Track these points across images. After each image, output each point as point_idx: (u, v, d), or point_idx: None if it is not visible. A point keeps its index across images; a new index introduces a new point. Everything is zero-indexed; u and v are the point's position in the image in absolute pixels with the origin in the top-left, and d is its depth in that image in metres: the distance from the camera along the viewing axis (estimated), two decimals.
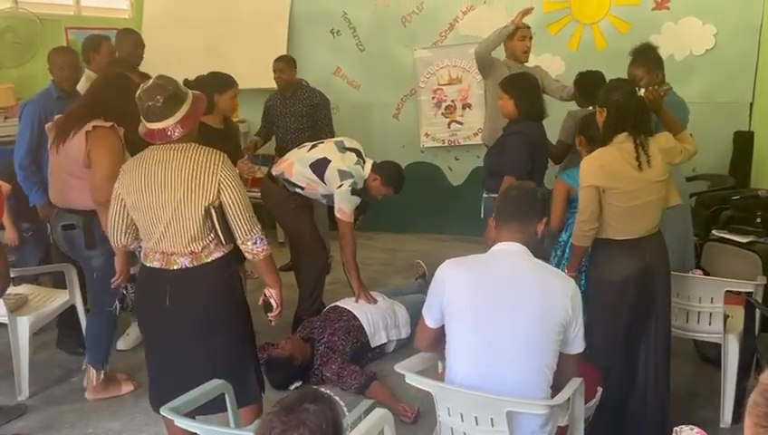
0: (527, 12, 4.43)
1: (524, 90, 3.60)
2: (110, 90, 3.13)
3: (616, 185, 2.73)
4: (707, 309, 3.08)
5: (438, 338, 2.23)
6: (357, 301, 3.87)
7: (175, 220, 2.41)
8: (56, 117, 3.26)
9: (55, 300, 3.65)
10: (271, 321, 2.71)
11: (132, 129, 2.69)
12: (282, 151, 4.62)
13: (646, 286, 2.78)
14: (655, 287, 2.82)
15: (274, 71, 4.98)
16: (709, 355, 3.55)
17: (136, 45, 4.43)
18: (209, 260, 2.48)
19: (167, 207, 2.41)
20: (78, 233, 3.20)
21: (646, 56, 3.67)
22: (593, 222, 2.74)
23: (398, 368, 2.19)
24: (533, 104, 3.64)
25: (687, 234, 3.78)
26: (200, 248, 2.46)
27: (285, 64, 4.98)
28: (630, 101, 2.81)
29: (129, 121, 2.82)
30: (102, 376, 3.39)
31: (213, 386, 2.20)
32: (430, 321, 2.23)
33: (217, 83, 3.91)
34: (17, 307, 3.48)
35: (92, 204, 3.04)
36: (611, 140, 2.77)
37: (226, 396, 2.23)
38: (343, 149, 3.95)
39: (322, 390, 1.27)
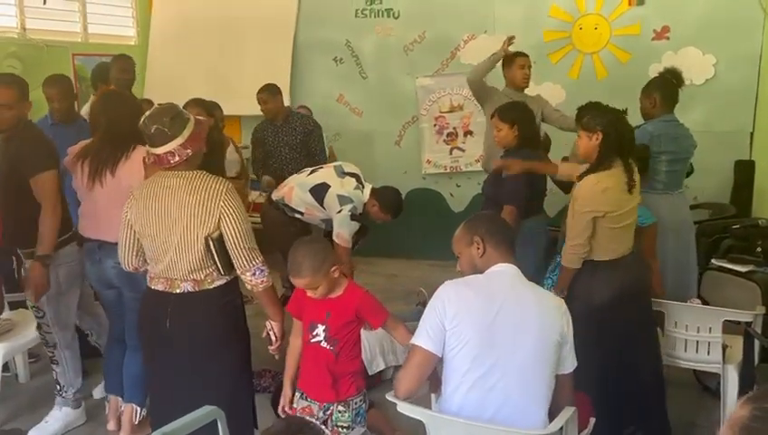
0: (510, 40, 4.50)
1: (521, 118, 3.62)
2: (110, 105, 3.12)
3: (613, 209, 2.79)
4: (706, 339, 3.06)
5: (429, 371, 2.12)
6: None
7: (179, 250, 2.43)
8: (71, 148, 3.14)
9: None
10: (275, 355, 2.69)
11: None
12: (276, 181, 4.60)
13: (629, 305, 2.81)
14: (638, 306, 2.85)
15: (258, 102, 4.84)
16: (709, 385, 3.51)
17: (122, 70, 4.57)
18: (212, 287, 2.50)
19: (172, 237, 2.43)
20: None
21: (653, 80, 3.81)
22: (587, 245, 2.82)
23: (390, 396, 2.15)
24: (530, 132, 3.66)
25: (691, 263, 3.77)
26: (203, 277, 2.48)
27: (268, 94, 4.83)
28: (626, 128, 2.86)
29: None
30: (144, 413, 3.21)
31: (205, 412, 2.17)
32: (429, 343, 2.06)
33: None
34: (2, 332, 3.38)
35: None
36: (608, 163, 2.80)
37: (219, 424, 2.21)
38: (342, 174, 3.96)
39: (308, 419, 1.26)
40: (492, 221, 2.30)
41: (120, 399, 3.29)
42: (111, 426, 3.32)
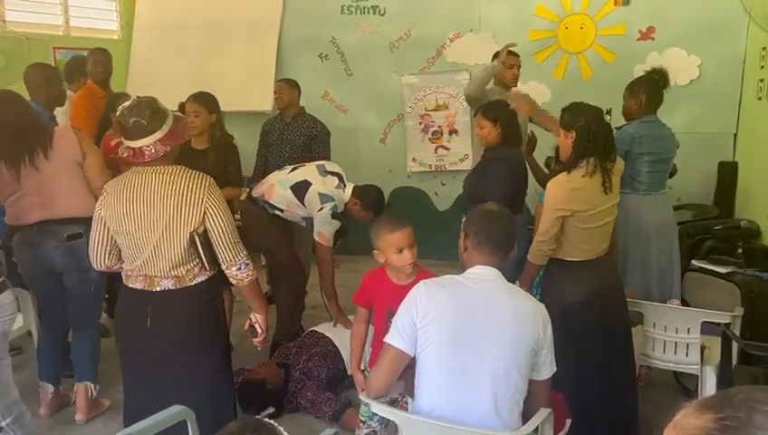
0: (510, 46, 4.44)
1: (503, 116, 3.60)
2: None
3: (584, 208, 2.77)
4: (684, 340, 3.05)
5: (400, 371, 2.09)
6: (335, 326, 3.82)
7: (159, 246, 2.39)
8: None
9: None
10: (257, 347, 2.69)
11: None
12: None
13: (603, 306, 2.80)
14: (612, 307, 2.84)
15: (275, 92, 4.90)
16: (688, 386, 3.51)
17: (93, 63, 4.58)
18: (193, 284, 2.47)
19: (151, 234, 2.39)
20: (83, 242, 3.08)
21: (641, 81, 3.76)
22: (553, 243, 2.83)
23: (363, 396, 2.13)
24: (514, 129, 3.64)
25: (674, 264, 3.76)
26: (184, 272, 2.45)
27: (285, 85, 4.84)
28: (600, 127, 2.82)
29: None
30: (98, 389, 3.39)
31: (173, 412, 2.13)
32: (400, 341, 2.04)
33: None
34: None
35: (93, 209, 3.05)
36: (579, 163, 2.79)
37: (188, 424, 2.18)
38: (325, 172, 3.93)
39: (265, 420, 1.23)
40: (484, 219, 2.21)
41: (50, 386, 3.36)
42: (43, 411, 3.36)
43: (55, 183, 3.08)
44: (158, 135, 2.38)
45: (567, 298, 2.78)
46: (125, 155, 2.45)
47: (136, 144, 2.39)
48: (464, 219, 3.77)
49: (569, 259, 2.84)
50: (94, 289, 3.21)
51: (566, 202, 2.79)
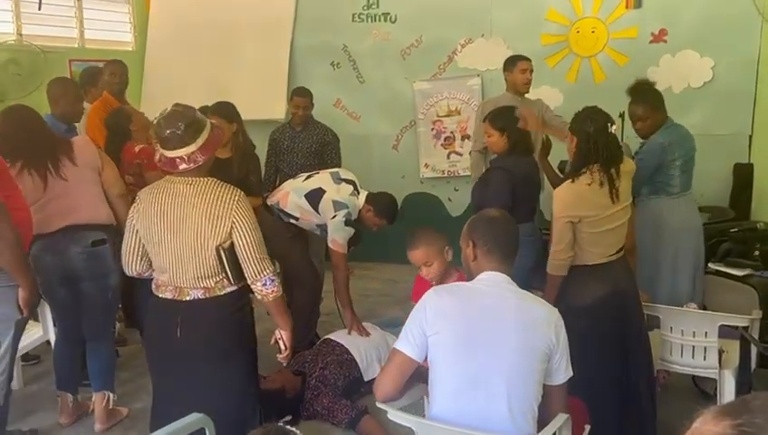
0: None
1: (510, 124, 3.56)
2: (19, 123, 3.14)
3: (591, 214, 2.78)
4: (702, 344, 3.03)
5: (407, 377, 2.10)
6: (349, 333, 3.83)
7: (188, 258, 2.40)
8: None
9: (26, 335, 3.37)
10: (282, 362, 2.71)
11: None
12: None
13: (616, 310, 2.79)
14: (626, 311, 2.82)
15: (297, 106, 4.77)
16: (707, 390, 3.48)
17: (110, 74, 4.60)
18: (222, 293, 2.47)
19: (180, 245, 2.39)
20: (107, 248, 3.19)
21: (645, 95, 3.67)
22: (569, 250, 2.80)
23: (380, 404, 2.13)
24: (522, 138, 3.61)
25: (700, 270, 3.74)
26: (213, 284, 2.45)
27: (309, 101, 4.80)
28: (600, 137, 2.81)
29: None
30: (115, 398, 3.41)
31: (192, 420, 2.15)
32: (408, 348, 2.05)
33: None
34: None
35: (110, 218, 3.20)
36: (583, 170, 2.80)
37: (207, 432, 2.19)
38: (339, 180, 3.94)
39: (287, 427, 1.24)
40: (490, 225, 2.19)
41: (69, 396, 3.38)
42: (62, 420, 3.41)
43: (79, 190, 3.15)
44: (193, 147, 2.37)
45: (575, 302, 2.77)
46: (159, 163, 2.45)
47: (170, 154, 2.39)
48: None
49: (579, 264, 2.82)
50: (111, 296, 3.25)
51: (573, 209, 2.79)
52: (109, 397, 3.37)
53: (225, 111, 3.96)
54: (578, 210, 2.79)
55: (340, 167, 4.88)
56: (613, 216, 2.82)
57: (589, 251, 2.82)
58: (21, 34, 5.42)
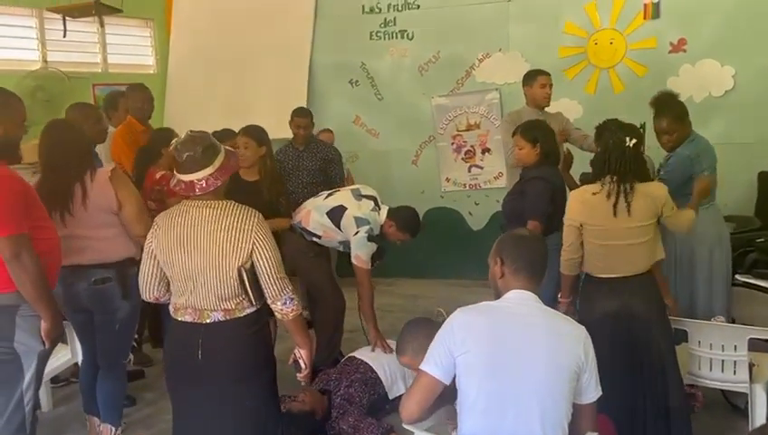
0: None
1: (543, 136, 3.59)
2: (50, 137, 3.11)
3: (591, 222, 2.89)
4: (731, 357, 2.98)
5: (433, 398, 2.08)
6: (373, 350, 3.83)
7: (208, 280, 2.42)
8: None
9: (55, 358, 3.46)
10: (301, 381, 2.71)
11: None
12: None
13: (623, 327, 2.81)
14: (635, 330, 2.81)
15: (298, 126, 4.87)
16: (738, 404, 3.42)
17: (144, 100, 4.60)
18: (242, 315, 2.49)
19: (200, 268, 2.42)
20: (113, 286, 3.16)
21: (670, 107, 3.65)
22: (574, 252, 2.97)
23: (406, 425, 2.12)
24: (553, 149, 3.64)
25: (728, 282, 3.69)
26: (234, 305, 2.47)
27: (309, 121, 4.89)
28: (615, 150, 2.86)
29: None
30: (120, 433, 3.34)
31: None
32: (435, 369, 2.04)
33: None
34: None
35: (127, 252, 3.12)
36: (598, 178, 2.90)
37: None
38: (359, 196, 3.96)
39: None
40: (519, 244, 2.19)
41: (96, 419, 3.35)
42: None
43: (87, 231, 3.08)
44: (210, 170, 2.41)
45: (583, 315, 2.83)
46: (177, 188, 2.49)
47: (188, 178, 2.43)
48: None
49: (588, 273, 2.97)
50: (119, 328, 3.21)
51: (575, 214, 2.94)
52: (112, 432, 3.31)
53: (256, 133, 4.00)
54: (579, 215, 2.93)
55: (342, 181, 4.94)
56: (623, 232, 2.83)
57: (597, 263, 2.92)
58: (46, 61, 5.54)
